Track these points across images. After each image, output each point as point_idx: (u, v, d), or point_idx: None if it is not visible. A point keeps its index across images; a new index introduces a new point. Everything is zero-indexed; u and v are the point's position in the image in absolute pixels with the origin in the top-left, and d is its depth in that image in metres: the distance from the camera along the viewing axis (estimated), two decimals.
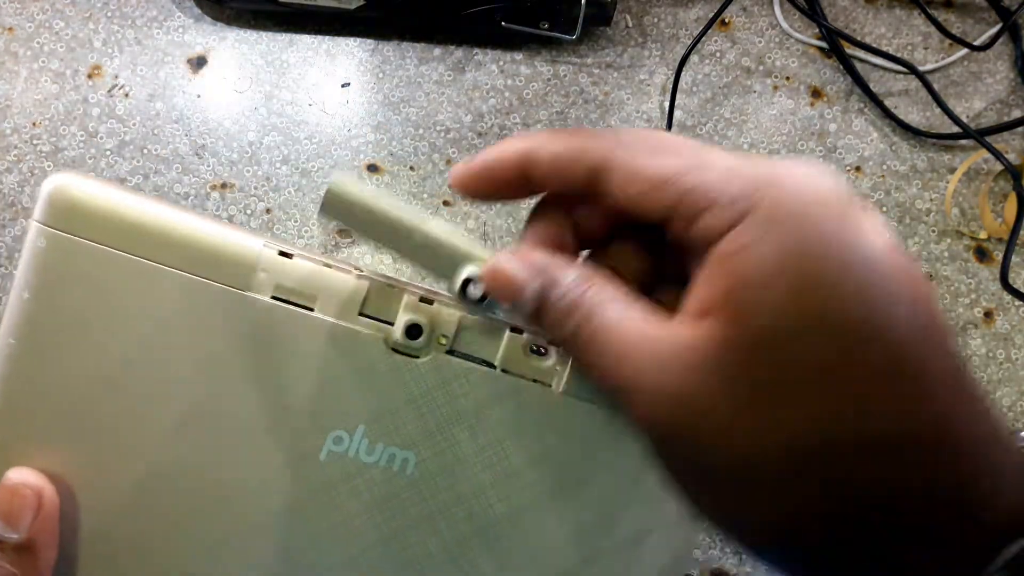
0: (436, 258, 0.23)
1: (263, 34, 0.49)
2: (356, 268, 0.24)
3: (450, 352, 0.24)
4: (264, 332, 0.24)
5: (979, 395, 0.19)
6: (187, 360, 0.24)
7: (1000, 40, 0.50)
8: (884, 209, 0.50)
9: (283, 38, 0.49)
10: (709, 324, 0.19)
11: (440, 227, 0.23)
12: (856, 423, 0.18)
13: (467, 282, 0.22)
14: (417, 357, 0.23)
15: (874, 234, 0.19)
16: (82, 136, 0.48)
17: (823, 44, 0.51)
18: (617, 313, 0.20)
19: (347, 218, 0.22)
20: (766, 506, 0.19)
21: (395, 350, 0.23)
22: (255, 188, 0.48)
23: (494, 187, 0.22)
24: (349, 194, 0.22)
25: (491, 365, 0.24)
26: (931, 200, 0.50)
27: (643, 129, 0.20)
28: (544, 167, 0.22)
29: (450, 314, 0.23)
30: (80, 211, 0.23)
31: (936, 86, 0.50)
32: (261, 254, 0.23)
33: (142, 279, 0.23)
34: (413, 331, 0.23)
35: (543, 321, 0.22)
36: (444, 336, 0.23)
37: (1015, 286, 0.47)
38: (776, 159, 0.20)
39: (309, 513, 0.25)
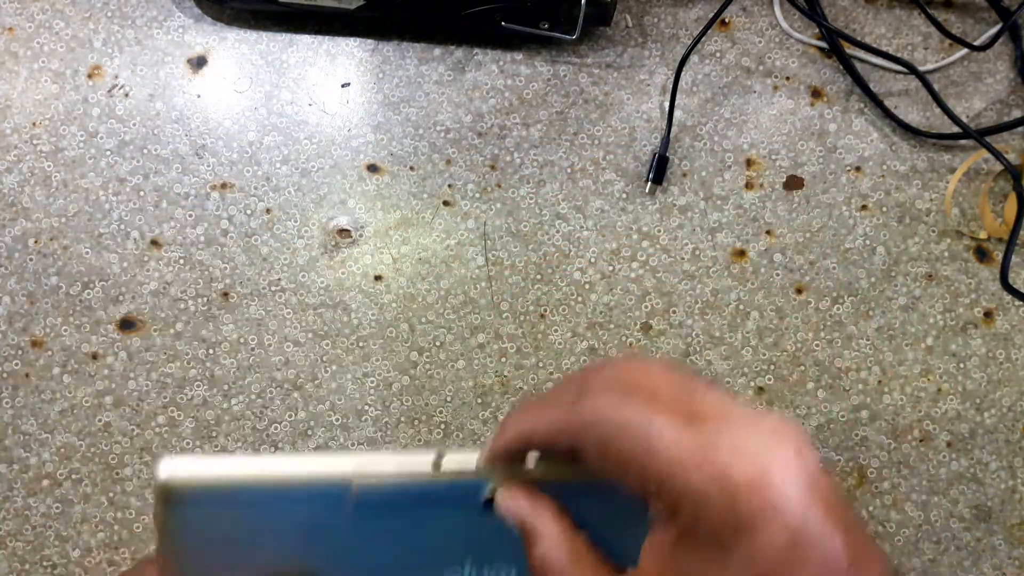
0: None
1: (263, 34, 0.49)
2: (434, 464, 0.28)
3: None
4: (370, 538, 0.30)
5: None
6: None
7: (1000, 40, 0.50)
8: (884, 209, 0.50)
9: (283, 38, 0.49)
10: None
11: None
12: None
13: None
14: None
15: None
16: (82, 136, 0.48)
17: (823, 44, 0.51)
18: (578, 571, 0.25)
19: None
20: None
21: (485, 507, 0.29)
22: (255, 188, 0.48)
23: (511, 459, 0.28)
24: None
25: None
26: (931, 200, 0.50)
27: (610, 402, 0.25)
28: (539, 443, 0.27)
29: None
30: (194, 487, 0.28)
31: (936, 86, 0.50)
32: (354, 486, 0.30)
33: (259, 523, 0.29)
34: (491, 502, 0.29)
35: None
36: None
37: (1015, 286, 0.47)
38: (713, 448, 0.22)
39: None
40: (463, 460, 0.28)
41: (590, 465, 0.25)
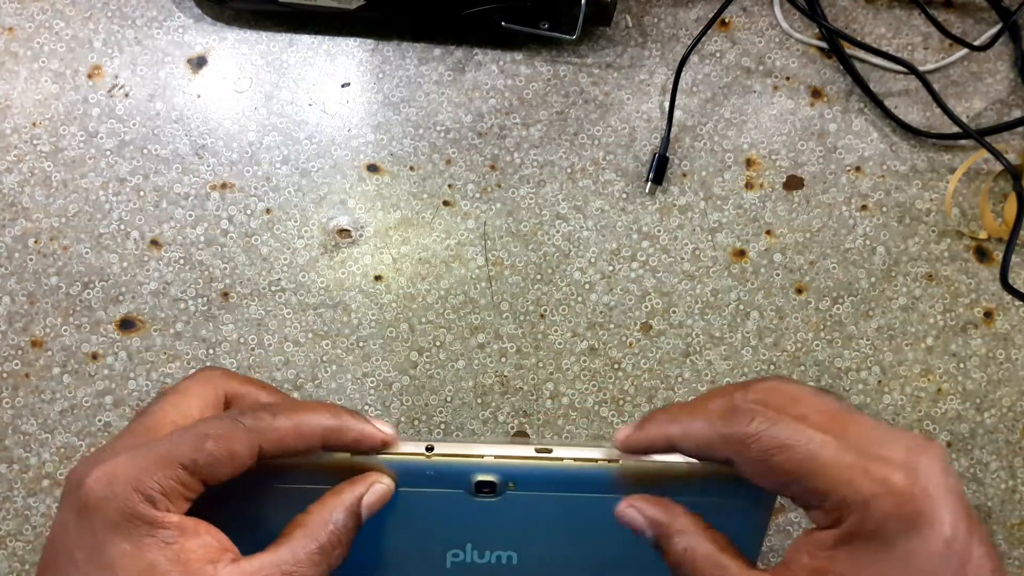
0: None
1: (263, 34, 0.49)
2: (427, 448, 0.31)
3: (515, 489, 0.32)
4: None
5: None
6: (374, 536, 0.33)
7: (1000, 40, 0.50)
8: (884, 209, 0.50)
9: (283, 38, 0.49)
10: None
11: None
12: None
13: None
14: (495, 496, 0.31)
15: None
16: (82, 136, 0.48)
17: (823, 44, 0.51)
18: (717, 568, 0.27)
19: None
20: None
21: (477, 494, 0.32)
22: (255, 188, 0.48)
23: (652, 453, 0.30)
24: None
25: (552, 489, 0.32)
26: (931, 200, 0.50)
27: (768, 418, 0.27)
28: (686, 450, 0.29)
29: (515, 465, 0.32)
30: None
31: (936, 86, 0.49)
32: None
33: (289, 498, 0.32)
34: (484, 486, 0.31)
35: (662, 555, 0.29)
36: (512, 483, 0.31)
37: (1015, 286, 0.47)
38: (874, 461, 0.25)
39: None
40: (453, 448, 0.31)
41: (744, 475, 0.27)
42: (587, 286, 0.48)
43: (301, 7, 0.47)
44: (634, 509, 0.30)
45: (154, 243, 0.47)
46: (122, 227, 0.47)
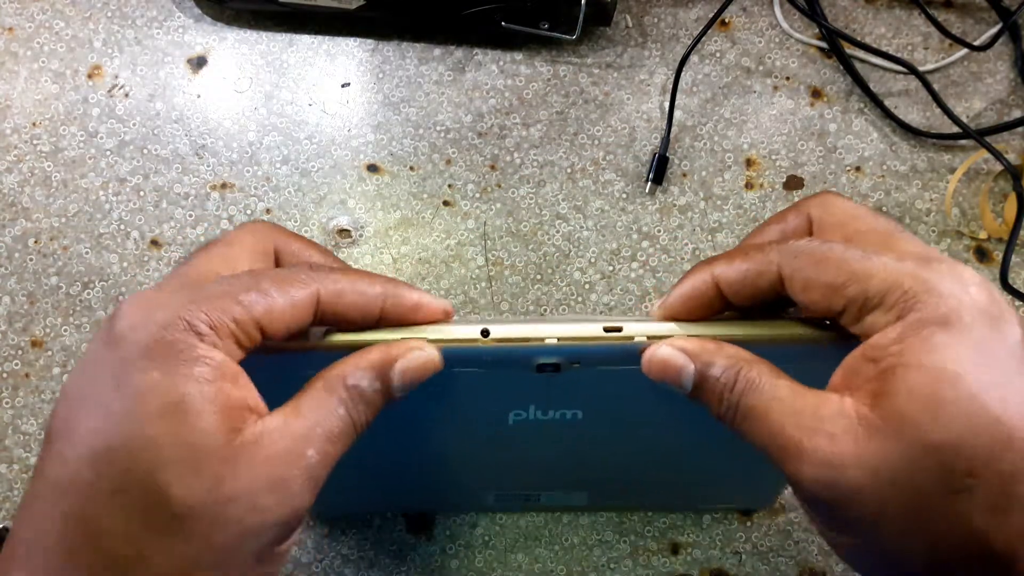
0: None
1: (263, 34, 0.49)
2: (482, 332, 0.28)
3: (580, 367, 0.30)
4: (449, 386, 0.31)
5: None
6: (426, 412, 0.33)
7: (1000, 40, 0.50)
8: (884, 209, 0.50)
9: (283, 38, 0.49)
10: (854, 405, 0.23)
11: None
12: (971, 547, 0.22)
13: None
14: (558, 372, 0.29)
15: (1016, 354, 0.23)
16: (82, 136, 0.48)
17: (823, 44, 0.51)
18: (769, 388, 0.25)
19: None
20: (883, 569, 0.24)
21: (540, 370, 0.29)
22: (255, 188, 0.48)
23: (697, 312, 0.27)
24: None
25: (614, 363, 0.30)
26: (931, 200, 0.50)
27: (805, 241, 0.26)
28: (734, 289, 0.26)
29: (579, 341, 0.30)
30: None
31: (936, 86, 0.50)
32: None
33: None
34: (546, 367, 0.29)
35: (703, 397, 0.26)
36: (577, 362, 0.29)
37: (1015, 286, 0.47)
38: (936, 262, 0.24)
39: (510, 448, 0.36)
40: (511, 331, 0.28)
41: (796, 297, 0.25)
42: (587, 286, 0.48)
43: (301, 7, 0.47)
44: (668, 346, 0.26)
45: (154, 243, 0.47)
46: (122, 227, 0.47)
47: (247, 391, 0.24)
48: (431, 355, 0.27)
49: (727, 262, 0.26)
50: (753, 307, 0.27)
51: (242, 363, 0.24)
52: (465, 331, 0.28)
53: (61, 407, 0.24)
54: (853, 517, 0.23)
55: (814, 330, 0.27)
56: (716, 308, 0.27)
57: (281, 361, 0.26)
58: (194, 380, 0.23)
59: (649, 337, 0.27)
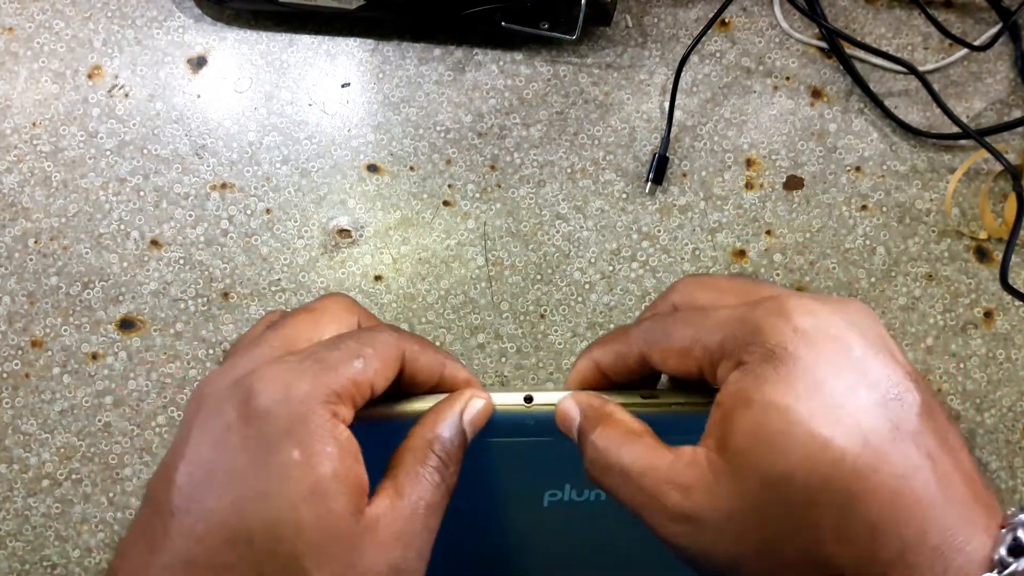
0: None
1: (263, 34, 0.49)
2: (525, 398, 0.30)
3: None
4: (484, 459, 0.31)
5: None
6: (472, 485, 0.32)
7: (1000, 40, 0.50)
8: (884, 209, 0.50)
9: (283, 38, 0.49)
10: (704, 453, 0.23)
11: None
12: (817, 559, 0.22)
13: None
14: None
15: (853, 386, 0.23)
16: (82, 136, 0.48)
17: (823, 44, 0.51)
18: (629, 447, 0.25)
19: None
20: None
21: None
22: (255, 188, 0.48)
23: (589, 383, 0.29)
24: None
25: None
26: (931, 200, 0.50)
27: (662, 313, 0.28)
28: (613, 370, 0.29)
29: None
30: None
31: (936, 86, 0.49)
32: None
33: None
34: None
35: (582, 452, 0.27)
36: None
37: (1015, 286, 0.47)
38: (764, 301, 0.24)
39: (545, 533, 0.35)
40: (553, 398, 0.29)
41: (659, 368, 0.27)
42: (587, 286, 0.48)
43: (301, 7, 0.47)
44: (573, 398, 0.28)
45: (154, 243, 0.47)
46: (122, 227, 0.47)
47: (362, 467, 0.24)
48: (488, 401, 0.29)
49: (601, 347, 0.29)
50: (637, 383, 0.29)
51: None
52: (507, 397, 0.29)
53: (183, 476, 0.23)
54: (714, 564, 0.23)
55: (698, 396, 0.28)
56: (604, 387, 0.29)
57: (368, 427, 0.27)
58: (328, 459, 0.23)
59: (682, 403, 0.29)
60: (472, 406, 0.28)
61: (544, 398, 0.29)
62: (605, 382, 0.29)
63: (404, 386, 0.28)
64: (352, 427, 0.25)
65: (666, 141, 0.49)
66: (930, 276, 0.49)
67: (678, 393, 0.29)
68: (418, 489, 0.25)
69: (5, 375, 0.46)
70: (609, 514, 0.33)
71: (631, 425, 0.26)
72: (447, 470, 0.26)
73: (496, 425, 0.29)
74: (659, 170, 0.49)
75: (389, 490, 0.25)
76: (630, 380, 0.29)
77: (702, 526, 0.23)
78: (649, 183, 0.49)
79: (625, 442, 0.25)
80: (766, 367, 0.23)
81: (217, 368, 0.26)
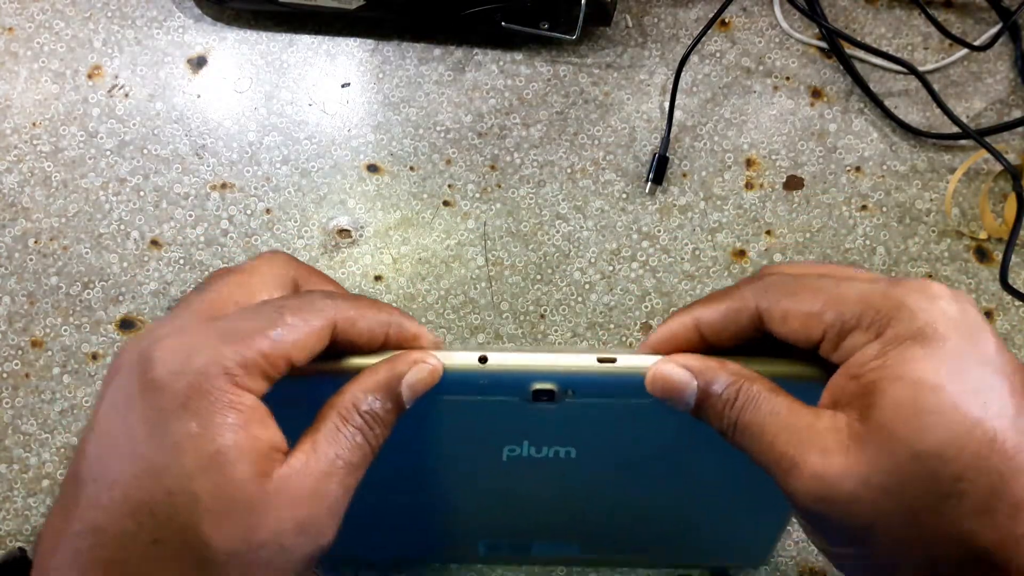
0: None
1: (263, 34, 0.49)
2: (480, 359, 0.29)
3: (574, 397, 0.30)
4: (440, 415, 0.32)
5: None
6: (422, 438, 0.33)
7: (1000, 40, 0.50)
8: (884, 209, 0.50)
9: (283, 38, 0.49)
10: (845, 420, 0.24)
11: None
12: (960, 551, 0.23)
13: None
14: (553, 403, 0.30)
15: (989, 370, 0.23)
16: (82, 136, 0.48)
17: (823, 44, 0.51)
18: (766, 404, 0.25)
19: None
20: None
21: (534, 402, 0.30)
22: (255, 188, 0.48)
23: (679, 350, 0.28)
24: None
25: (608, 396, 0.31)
26: (931, 200, 0.50)
27: (778, 274, 0.27)
28: (714, 329, 0.27)
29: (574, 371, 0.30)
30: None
31: (936, 86, 0.50)
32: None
33: None
34: (542, 395, 0.30)
35: (704, 414, 0.27)
36: (571, 391, 0.30)
37: (1015, 286, 0.47)
38: (905, 281, 0.25)
39: (503, 489, 0.36)
40: (507, 359, 0.29)
41: (775, 328, 0.26)
42: (587, 286, 0.48)
43: (301, 7, 0.47)
44: (673, 363, 0.27)
45: (154, 243, 0.47)
46: (122, 227, 0.47)
47: (272, 431, 0.25)
48: (435, 365, 0.28)
49: (707, 305, 0.28)
50: (731, 349, 0.28)
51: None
52: (462, 357, 0.29)
53: (92, 446, 0.24)
54: (848, 528, 0.24)
55: (804, 365, 0.28)
56: (697, 351, 0.28)
57: (295, 386, 0.26)
58: (229, 429, 0.23)
59: (640, 368, 0.28)
60: (416, 371, 0.27)
61: (498, 359, 0.29)
62: (701, 345, 0.28)
63: (343, 351, 0.28)
64: (293, 380, 0.26)
65: (666, 141, 0.49)
66: (930, 276, 0.49)
67: (784, 360, 0.28)
68: (336, 447, 0.25)
69: (5, 375, 0.46)
70: (569, 470, 0.34)
71: (768, 382, 0.26)
72: (371, 431, 0.26)
73: (451, 384, 0.29)
74: (659, 170, 0.49)
75: (307, 446, 0.25)
76: (729, 344, 0.28)
77: (838, 490, 0.23)
78: (649, 183, 0.49)
79: (763, 401, 0.25)
80: (914, 345, 0.23)
81: (139, 333, 0.26)
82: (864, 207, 0.50)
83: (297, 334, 0.25)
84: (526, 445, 0.33)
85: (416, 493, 0.37)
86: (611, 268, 0.48)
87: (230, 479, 0.23)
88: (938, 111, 0.49)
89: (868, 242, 0.49)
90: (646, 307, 0.48)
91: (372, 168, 0.49)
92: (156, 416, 0.23)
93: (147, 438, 0.23)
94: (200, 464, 0.23)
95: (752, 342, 0.28)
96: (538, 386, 0.30)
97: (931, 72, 0.51)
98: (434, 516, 0.39)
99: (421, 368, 0.27)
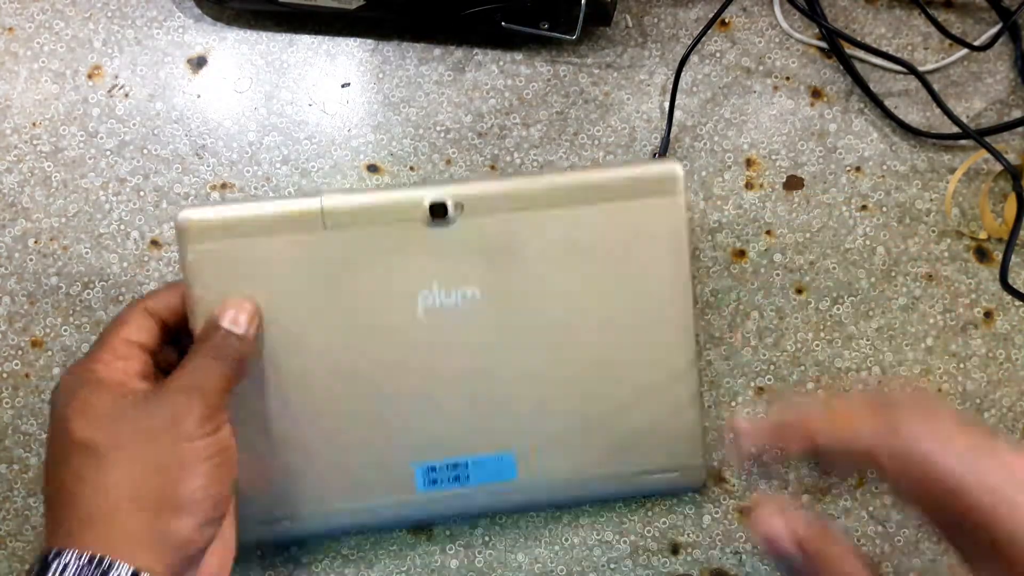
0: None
1: (263, 34, 0.49)
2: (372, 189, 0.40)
3: (468, 214, 0.38)
4: (343, 251, 0.39)
5: None
6: (310, 286, 0.39)
7: (1000, 40, 0.50)
8: (884, 209, 0.50)
9: (283, 38, 0.49)
10: None
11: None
12: None
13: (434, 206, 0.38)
14: (448, 225, 0.38)
15: None
16: (82, 136, 0.48)
17: (823, 44, 0.51)
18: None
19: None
20: None
21: (431, 220, 0.38)
22: (255, 188, 0.48)
23: (776, 444, 0.28)
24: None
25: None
26: (931, 200, 0.50)
27: (921, 412, 0.26)
28: (824, 442, 0.26)
29: (468, 189, 0.39)
30: (206, 226, 0.39)
31: (936, 86, 0.50)
32: (323, 204, 0.39)
33: (262, 251, 0.39)
34: (437, 209, 0.37)
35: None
36: (461, 205, 0.37)
37: (1015, 286, 0.47)
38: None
39: (423, 349, 0.40)
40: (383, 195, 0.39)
41: (887, 478, 0.25)
42: None
43: (301, 7, 0.47)
44: (778, 519, 0.26)
45: (154, 243, 0.47)
46: (122, 227, 0.47)
47: (138, 361, 0.38)
48: (249, 308, 0.39)
49: (824, 415, 0.27)
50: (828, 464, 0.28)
51: None
52: (304, 203, 0.40)
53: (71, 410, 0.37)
54: None
55: None
56: (794, 449, 0.27)
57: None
58: (83, 368, 0.38)
59: (522, 176, 0.44)
60: (235, 318, 0.38)
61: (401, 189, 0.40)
62: (796, 446, 0.28)
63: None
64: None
65: (666, 141, 0.49)
66: (930, 276, 0.49)
67: None
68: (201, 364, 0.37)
69: (5, 375, 0.46)
70: (480, 320, 0.39)
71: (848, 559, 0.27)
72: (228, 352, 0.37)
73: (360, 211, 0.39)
74: None
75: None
76: (825, 461, 0.28)
77: None
78: None
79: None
80: None
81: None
82: (864, 207, 0.50)
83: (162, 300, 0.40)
84: (436, 289, 0.38)
85: (347, 397, 0.41)
86: None
87: (89, 399, 0.36)
88: (938, 111, 0.49)
89: (868, 242, 0.49)
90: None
91: (372, 168, 0.49)
92: (62, 396, 0.37)
93: (66, 398, 0.37)
94: (75, 404, 0.35)
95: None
96: (433, 199, 0.36)
97: (931, 72, 0.51)
98: (364, 429, 0.41)
99: (239, 317, 0.38)
